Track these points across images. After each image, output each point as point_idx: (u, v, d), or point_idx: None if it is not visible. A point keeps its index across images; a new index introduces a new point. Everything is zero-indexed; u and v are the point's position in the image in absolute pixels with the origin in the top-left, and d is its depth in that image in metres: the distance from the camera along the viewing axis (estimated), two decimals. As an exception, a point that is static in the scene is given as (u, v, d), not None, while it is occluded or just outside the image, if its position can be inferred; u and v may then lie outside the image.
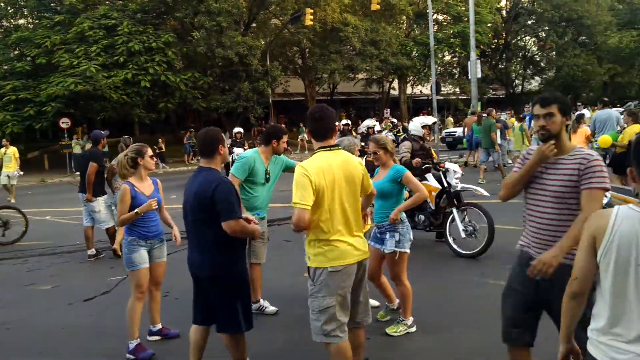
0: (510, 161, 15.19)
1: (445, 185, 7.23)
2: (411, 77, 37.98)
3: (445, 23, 37.76)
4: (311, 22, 26.80)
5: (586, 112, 24.20)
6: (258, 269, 5.27)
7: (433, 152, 8.10)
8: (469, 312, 5.05)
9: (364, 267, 3.46)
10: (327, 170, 3.28)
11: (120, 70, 24.73)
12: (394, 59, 32.87)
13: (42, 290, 6.66)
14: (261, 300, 5.34)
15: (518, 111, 26.82)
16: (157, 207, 4.52)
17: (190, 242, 3.71)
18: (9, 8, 30.04)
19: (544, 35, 43.72)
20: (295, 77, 35.70)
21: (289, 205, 3.43)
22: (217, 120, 31.95)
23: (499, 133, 14.15)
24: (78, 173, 12.23)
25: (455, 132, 25.52)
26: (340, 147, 3.48)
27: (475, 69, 22.96)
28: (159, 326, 4.86)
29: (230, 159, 12.37)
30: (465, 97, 38.62)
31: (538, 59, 46.62)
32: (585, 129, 10.28)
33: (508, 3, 44.51)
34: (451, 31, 35.71)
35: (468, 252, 6.88)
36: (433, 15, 31.89)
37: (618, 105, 27.64)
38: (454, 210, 7.06)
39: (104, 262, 7.87)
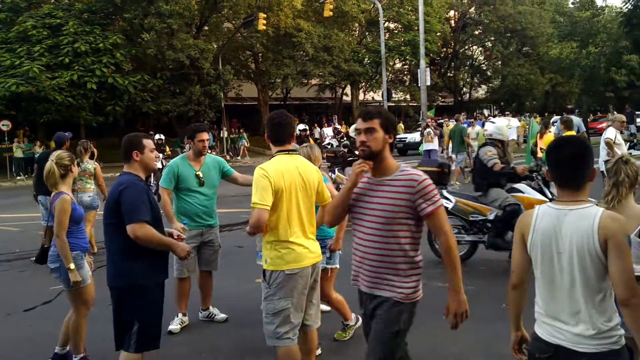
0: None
1: (549, 196, 6.19)
2: (363, 83, 38.42)
3: (396, 31, 38.39)
4: (264, 27, 26.69)
5: (514, 121, 25.29)
6: (208, 276, 5.20)
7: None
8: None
9: (317, 269, 3.53)
10: (286, 173, 3.33)
11: (65, 71, 23.89)
12: (346, 65, 33.17)
13: (-22, 301, 6.32)
14: (211, 307, 5.27)
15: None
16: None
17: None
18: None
19: (490, 45, 45.22)
20: (248, 82, 35.44)
21: (238, 211, 3.40)
22: (168, 123, 31.29)
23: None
24: (23, 176, 11.66)
25: (406, 137, 25.94)
26: (297, 152, 3.56)
27: (425, 76, 23.55)
28: None
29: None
30: (415, 104, 39.42)
31: (485, 68, 48.19)
32: (551, 135, 10.82)
33: (456, 13, 45.80)
34: (402, 39, 36.35)
35: None
36: (384, 23, 32.45)
37: (558, 115, 28.86)
38: None
39: (45, 270, 7.53)
